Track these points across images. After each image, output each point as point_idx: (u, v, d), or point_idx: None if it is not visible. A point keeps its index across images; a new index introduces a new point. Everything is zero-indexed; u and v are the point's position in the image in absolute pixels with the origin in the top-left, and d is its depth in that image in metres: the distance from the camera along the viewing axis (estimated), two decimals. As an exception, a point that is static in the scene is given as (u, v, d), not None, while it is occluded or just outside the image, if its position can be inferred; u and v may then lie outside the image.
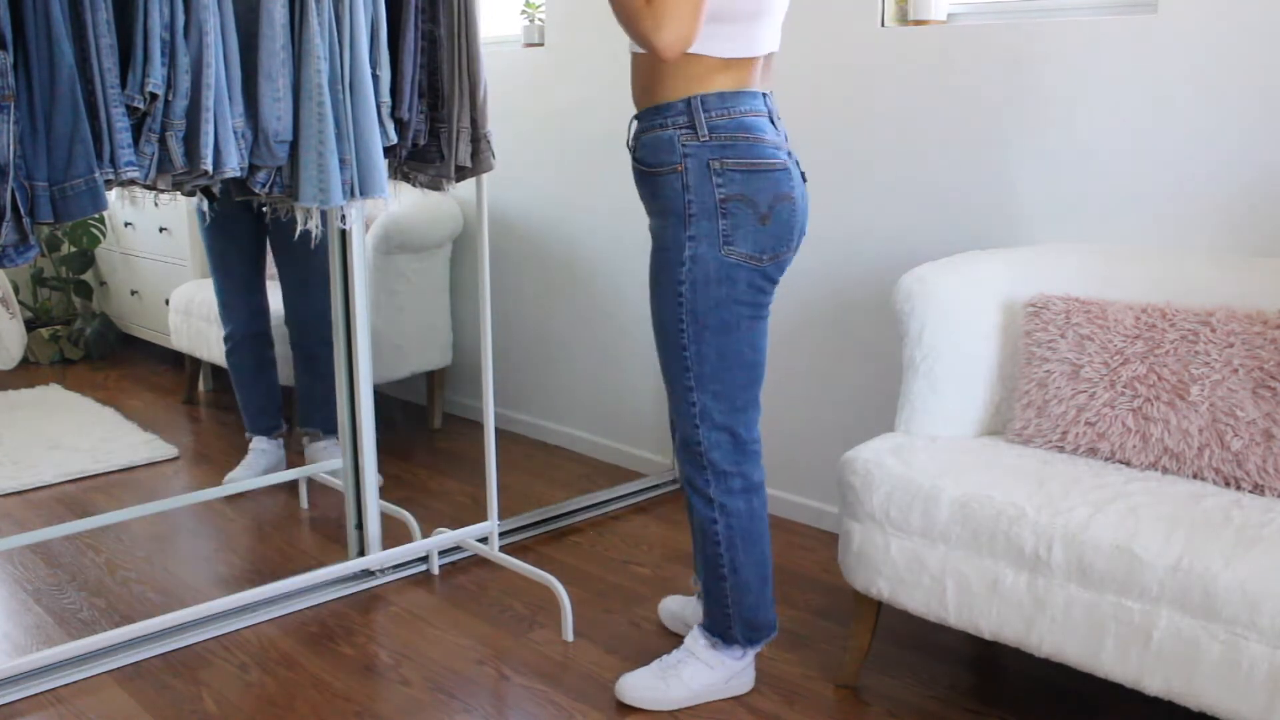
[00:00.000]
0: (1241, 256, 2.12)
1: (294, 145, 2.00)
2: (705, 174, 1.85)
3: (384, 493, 2.82)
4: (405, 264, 3.49)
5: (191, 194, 2.01)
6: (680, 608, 2.34)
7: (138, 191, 2.02)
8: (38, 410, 3.96)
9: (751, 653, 2.12)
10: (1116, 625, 1.72)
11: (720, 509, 2.00)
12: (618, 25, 1.80)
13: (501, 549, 2.64)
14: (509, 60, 3.43)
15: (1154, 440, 1.95)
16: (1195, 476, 1.92)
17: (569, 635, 2.35)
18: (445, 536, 2.61)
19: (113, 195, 1.89)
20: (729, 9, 1.81)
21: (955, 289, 2.16)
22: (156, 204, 2.13)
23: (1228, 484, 1.89)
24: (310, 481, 3.08)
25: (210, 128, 1.88)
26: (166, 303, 4.12)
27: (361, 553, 2.60)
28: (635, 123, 1.95)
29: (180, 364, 4.26)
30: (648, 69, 1.89)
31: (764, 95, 1.91)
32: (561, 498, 3.05)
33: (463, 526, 2.62)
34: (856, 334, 2.79)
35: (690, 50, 1.79)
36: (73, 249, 4.68)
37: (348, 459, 2.59)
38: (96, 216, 4.23)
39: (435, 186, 2.25)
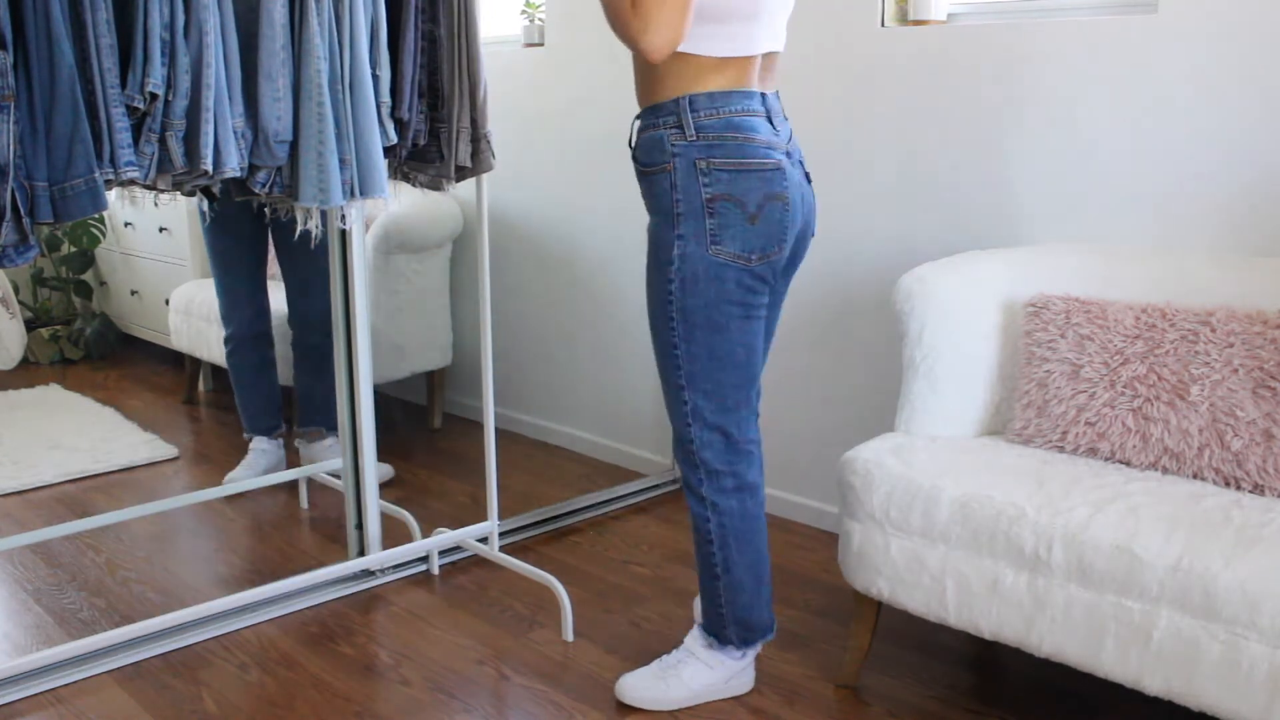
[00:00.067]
0: (1241, 256, 2.12)
1: (294, 145, 2.00)
2: (692, 173, 1.85)
3: (384, 492, 2.82)
4: (405, 264, 3.49)
5: (191, 194, 2.02)
6: None
7: (138, 191, 2.02)
8: (38, 410, 3.96)
9: (750, 653, 2.12)
10: (1116, 625, 1.72)
11: (712, 507, 2.00)
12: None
13: (501, 549, 2.64)
14: (509, 60, 3.43)
15: (1154, 440, 1.95)
16: (1195, 476, 1.92)
17: (569, 635, 2.35)
18: (445, 536, 2.61)
19: (113, 195, 1.89)
20: (724, 8, 1.81)
21: (955, 289, 2.16)
22: (156, 204, 2.13)
23: (1228, 484, 1.89)
24: (310, 481, 3.08)
25: (210, 128, 1.88)
26: (166, 303, 4.12)
27: (361, 553, 2.60)
28: (636, 122, 1.95)
29: (180, 364, 4.26)
30: (644, 70, 1.90)
31: (763, 95, 1.90)
32: (561, 498, 3.05)
33: (463, 526, 2.63)
34: (856, 334, 2.79)
35: (683, 50, 1.80)
36: (73, 249, 4.68)
37: (348, 459, 2.59)
38: (96, 216, 4.23)
39: (435, 186, 2.25)
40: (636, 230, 2.71)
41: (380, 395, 2.93)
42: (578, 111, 3.30)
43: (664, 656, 2.13)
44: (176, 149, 1.87)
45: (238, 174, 1.96)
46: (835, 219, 2.78)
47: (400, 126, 2.17)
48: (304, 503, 3.07)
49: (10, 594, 2.56)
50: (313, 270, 3.03)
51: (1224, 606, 1.61)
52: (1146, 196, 2.30)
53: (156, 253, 4.31)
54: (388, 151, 2.16)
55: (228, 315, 3.13)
